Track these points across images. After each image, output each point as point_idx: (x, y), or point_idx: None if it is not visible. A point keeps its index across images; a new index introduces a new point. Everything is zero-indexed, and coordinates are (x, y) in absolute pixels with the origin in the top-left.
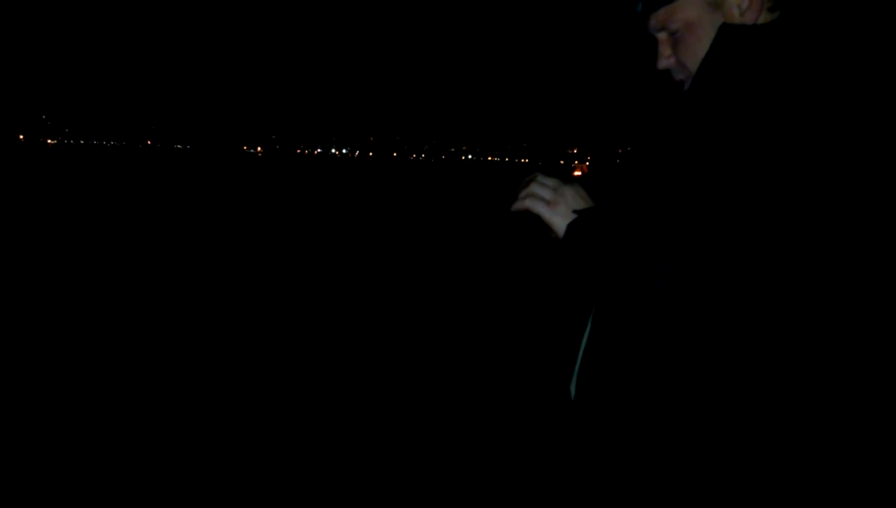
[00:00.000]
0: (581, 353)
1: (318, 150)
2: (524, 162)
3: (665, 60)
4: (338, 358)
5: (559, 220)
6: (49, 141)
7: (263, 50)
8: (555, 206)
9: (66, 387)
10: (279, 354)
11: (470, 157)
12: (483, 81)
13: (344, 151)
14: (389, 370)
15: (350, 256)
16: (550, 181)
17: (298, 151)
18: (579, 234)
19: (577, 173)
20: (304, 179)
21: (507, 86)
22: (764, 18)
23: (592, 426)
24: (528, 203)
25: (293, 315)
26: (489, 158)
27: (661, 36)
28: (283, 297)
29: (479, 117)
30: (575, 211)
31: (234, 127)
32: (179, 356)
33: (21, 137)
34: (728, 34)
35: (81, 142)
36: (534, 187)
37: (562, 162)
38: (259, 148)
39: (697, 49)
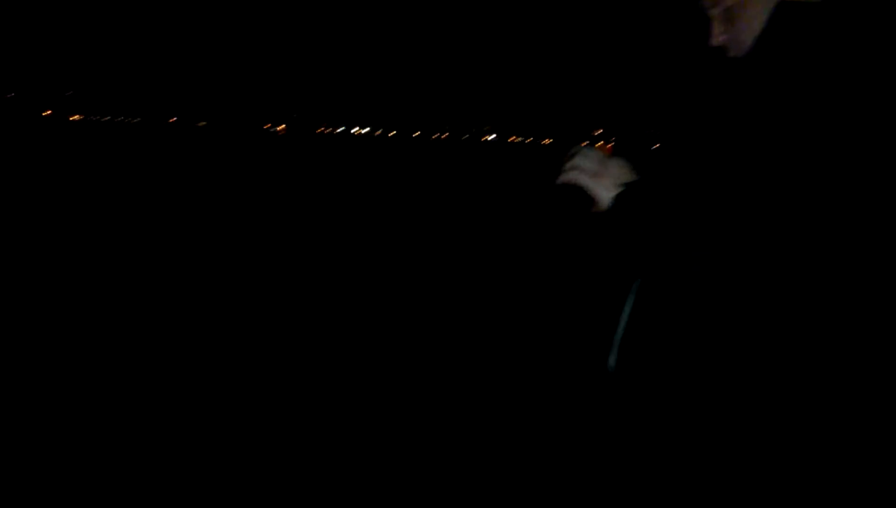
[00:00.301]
0: (622, 325)
1: (341, 129)
2: (548, 143)
3: (717, 37)
4: (370, 333)
5: (604, 192)
6: (71, 117)
7: (286, 27)
8: (600, 178)
9: (62, 373)
10: (311, 333)
11: (494, 136)
12: (506, 60)
13: (365, 130)
14: (426, 340)
15: (378, 234)
16: (595, 154)
17: (320, 130)
18: (627, 206)
19: None
20: (326, 159)
21: (531, 65)
22: None
23: (635, 398)
24: (574, 175)
25: (329, 295)
26: (511, 139)
27: (714, 12)
28: (317, 276)
29: (502, 97)
30: (621, 184)
31: (257, 105)
32: (188, 339)
33: (48, 112)
34: (785, 11)
35: (107, 118)
36: (578, 160)
37: (585, 143)
38: (281, 127)
39: (751, 26)
